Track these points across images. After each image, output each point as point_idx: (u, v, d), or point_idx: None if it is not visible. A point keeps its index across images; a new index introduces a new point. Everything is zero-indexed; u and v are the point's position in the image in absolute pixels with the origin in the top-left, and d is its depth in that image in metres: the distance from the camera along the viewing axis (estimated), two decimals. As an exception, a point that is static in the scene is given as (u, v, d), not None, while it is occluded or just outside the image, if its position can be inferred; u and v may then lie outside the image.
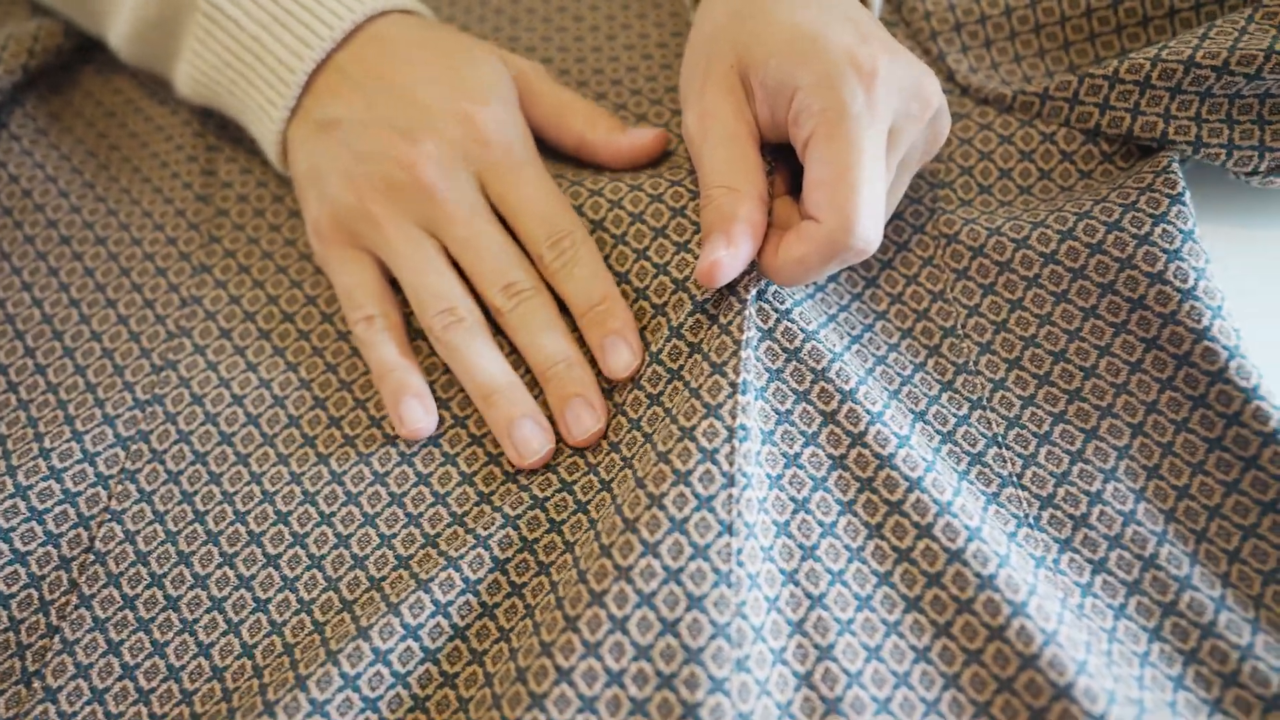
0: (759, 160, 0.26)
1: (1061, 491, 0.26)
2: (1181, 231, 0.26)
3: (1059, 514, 0.26)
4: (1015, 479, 0.26)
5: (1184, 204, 0.27)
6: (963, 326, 0.28)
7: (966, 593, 0.23)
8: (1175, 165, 0.28)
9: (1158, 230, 0.27)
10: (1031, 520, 0.26)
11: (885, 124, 0.24)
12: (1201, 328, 0.26)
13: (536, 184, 0.28)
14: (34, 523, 0.26)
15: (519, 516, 0.26)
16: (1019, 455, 0.26)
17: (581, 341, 0.28)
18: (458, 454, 0.27)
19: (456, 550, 0.25)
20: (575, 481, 0.26)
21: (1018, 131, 0.30)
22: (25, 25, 0.35)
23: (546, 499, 0.26)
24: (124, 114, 0.35)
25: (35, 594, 0.26)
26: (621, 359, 0.27)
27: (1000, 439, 0.27)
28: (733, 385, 0.24)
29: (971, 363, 0.28)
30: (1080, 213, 0.28)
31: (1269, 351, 0.26)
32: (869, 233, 0.23)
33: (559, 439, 0.27)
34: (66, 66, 0.36)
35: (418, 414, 0.27)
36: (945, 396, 0.27)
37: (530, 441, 0.26)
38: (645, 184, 0.29)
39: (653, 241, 0.28)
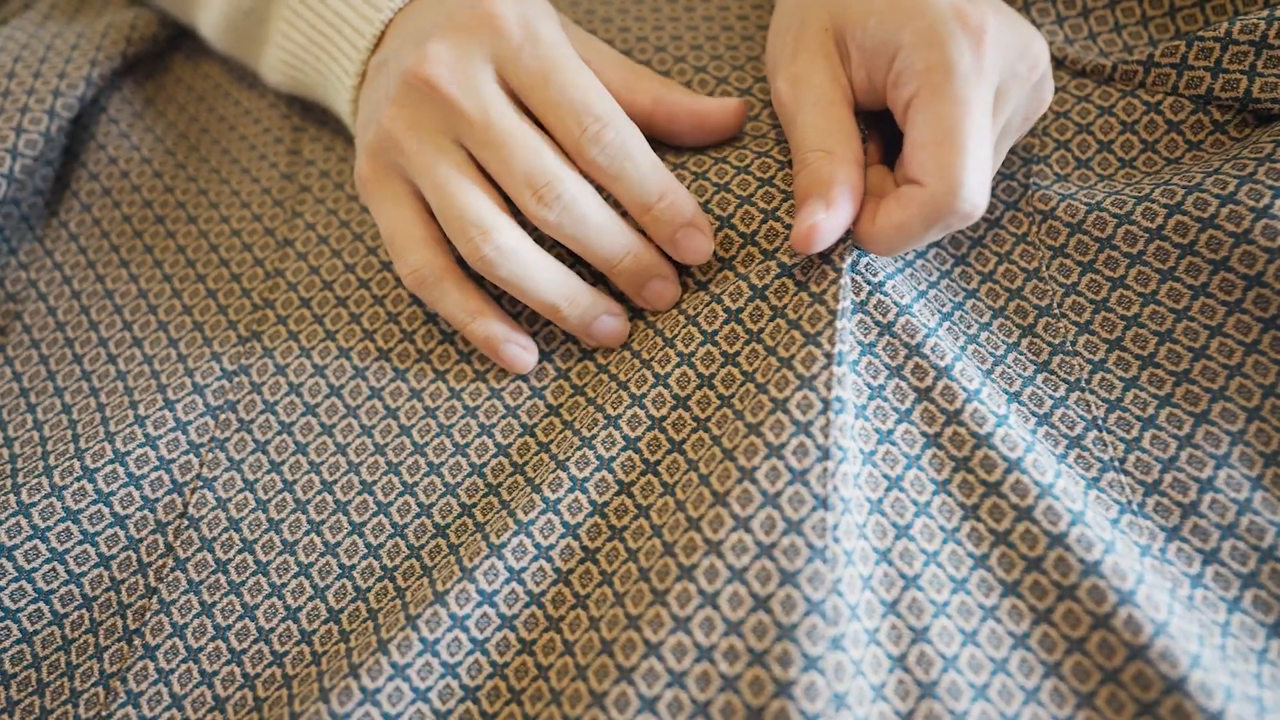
0: (855, 125, 0.25)
1: (1168, 478, 0.24)
2: (1305, 203, 0.25)
3: (1165, 501, 0.24)
4: (1117, 464, 0.25)
5: (1308, 174, 0.25)
6: (1059, 305, 0.27)
7: (1069, 579, 0.22)
8: (1298, 132, 0.26)
9: (1278, 203, 0.25)
10: (1135, 507, 0.24)
11: (993, 84, 0.23)
12: (1327, 305, 0.24)
13: (565, 70, 0.25)
14: (132, 487, 0.27)
15: (586, 479, 0.25)
16: (1121, 439, 0.25)
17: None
18: (535, 425, 0.27)
19: (528, 515, 0.25)
20: (640, 438, 0.25)
21: (1119, 102, 0.29)
22: (123, 14, 0.36)
23: (613, 459, 0.25)
24: (213, 98, 0.36)
25: (134, 556, 0.27)
26: (697, 245, 0.26)
27: (1100, 422, 0.25)
28: (828, 356, 0.24)
29: (1069, 343, 0.27)
30: (1190, 185, 0.26)
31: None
32: (976, 195, 0.23)
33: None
34: (159, 53, 0.37)
35: (518, 357, 0.27)
36: (1041, 378, 0.26)
37: (616, 333, 0.27)
38: (730, 155, 0.28)
39: (738, 209, 0.27)
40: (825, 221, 0.23)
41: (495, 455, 0.27)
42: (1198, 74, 0.28)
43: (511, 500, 0.26)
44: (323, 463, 0.28)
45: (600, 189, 0.27)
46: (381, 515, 0.27)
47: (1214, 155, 0.28)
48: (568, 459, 0.26)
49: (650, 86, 0.28)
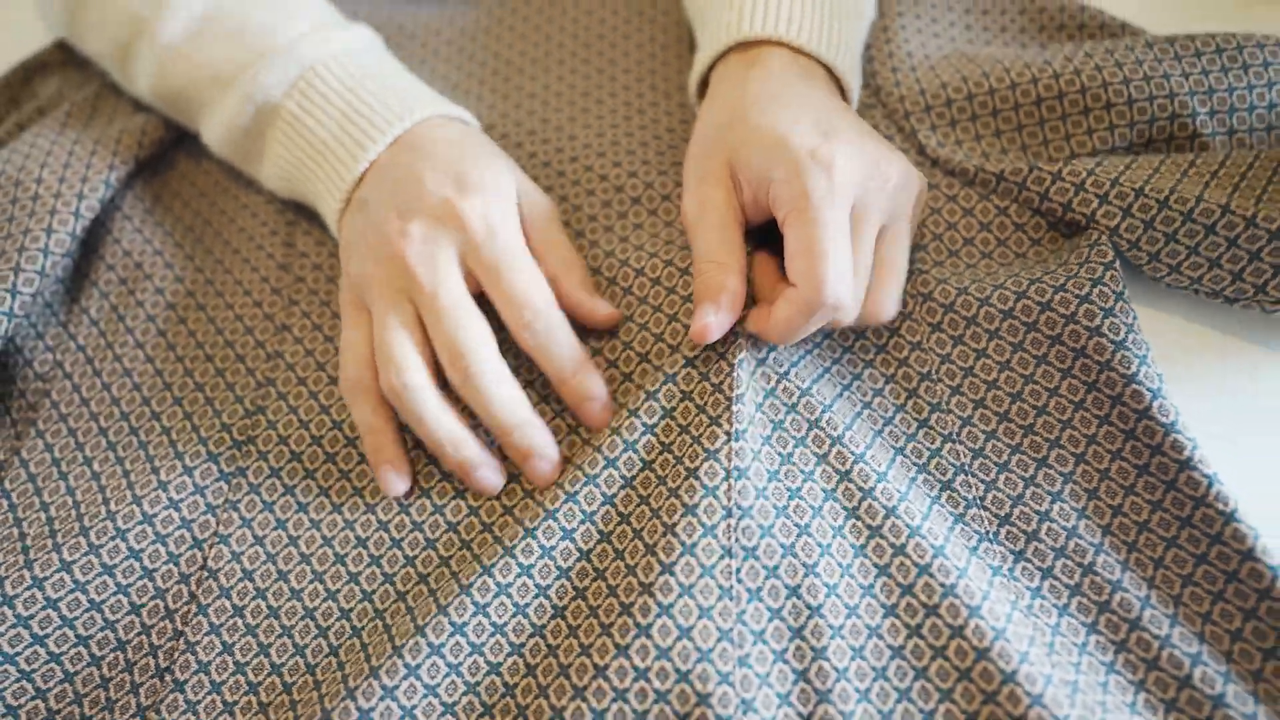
0: (742, 242, 0.32)
1: (1016, 511, 0.30)
2: (1114, 293, 0.31)
3: (1014, 530, 0.30)
4: (979, 501, 0.31)
5: (1115, 269, 0.32)
6: (937, 371, 0.33)
7: (933, 599, 0.28)
8: (1106, 239, 0.33)
9: (1095, 291, 0.31)
10: (991, 536, 0.30)
11: (848, 202, 0.29)
12: (1130, 373, 0.30)
13: (511, 269, 0.32)
14: (159, 544, 0.32)
15: (553, 548, 0.29)
16: (982, 481, 0.31)
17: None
18: (493, 524, 0.32)
19: (504, 576, 0.29)
20: (595, 511, 0.30)
21: (977, 205, 0.35)
22: (134, 120, 0.41)
23: (573, 530, 0.30)
24: (214, 194, 0.41)
25: (161, 604, 0.31)
26: (597, 416, 0.32)
27: (966, 468, 0.31)
28: (728, 434, 0.30)
29: (944, 403, 0.33)
30: (1032, 278, 0.33)
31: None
32: (838, 292, 0.28)
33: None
34: (164, 152, 0.42)
35: (389, 480, 0.32)
36: (921, 433, 0.32)
37: (488, 486, 0.31)
38: (645, 267, 0.34)
39: (651, 315, 0.33)
40: (715, 321, 0.30)
41: (469, 520, 0.32)
42: (1031, 195, 0.35)
43: (481, 553, 0.30)
44: (321, 520, 0.32)
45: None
46: (374, 566, 0.32)
47: (1049, 250, 0.34)
48: (536, 528, 0.30)
49: (552, 266, 0.33)
